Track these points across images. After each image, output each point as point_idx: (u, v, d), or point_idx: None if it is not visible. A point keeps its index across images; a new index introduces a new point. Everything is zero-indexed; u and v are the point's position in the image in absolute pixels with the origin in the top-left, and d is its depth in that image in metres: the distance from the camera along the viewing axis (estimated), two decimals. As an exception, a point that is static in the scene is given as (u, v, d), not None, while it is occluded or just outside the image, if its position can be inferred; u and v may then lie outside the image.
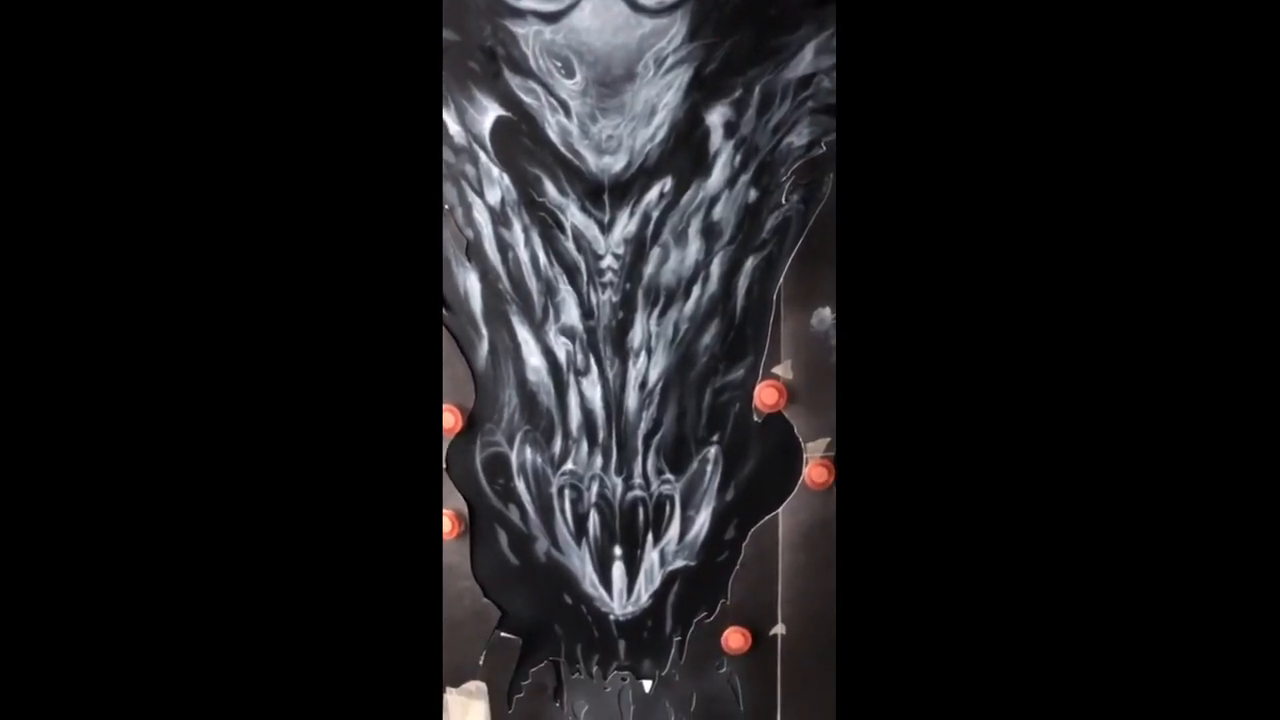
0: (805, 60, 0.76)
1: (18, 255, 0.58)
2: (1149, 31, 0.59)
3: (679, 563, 0.87)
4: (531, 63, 0.75)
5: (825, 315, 0.81)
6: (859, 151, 0.62)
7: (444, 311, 0.82)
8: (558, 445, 0.85)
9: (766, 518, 0.85)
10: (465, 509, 0.86)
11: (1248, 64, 0.58)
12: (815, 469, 0.83)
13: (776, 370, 0.82)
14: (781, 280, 0.80)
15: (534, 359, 0.83)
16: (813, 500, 0.84)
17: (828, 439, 0.83)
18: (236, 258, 0.59)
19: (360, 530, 0.61)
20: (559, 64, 0.75)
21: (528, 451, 0.85)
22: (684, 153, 0.77)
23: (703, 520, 0.85)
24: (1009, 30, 0.60)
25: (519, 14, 0.74)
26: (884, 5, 0.60)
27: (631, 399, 0.83)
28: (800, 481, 0.84)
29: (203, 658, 0.60)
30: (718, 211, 0.79)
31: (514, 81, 0.76)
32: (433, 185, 0.77)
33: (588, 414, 0.84)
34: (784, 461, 0.84)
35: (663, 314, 0.81)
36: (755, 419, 0.83)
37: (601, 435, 0.84)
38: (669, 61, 0.75)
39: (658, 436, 0.84)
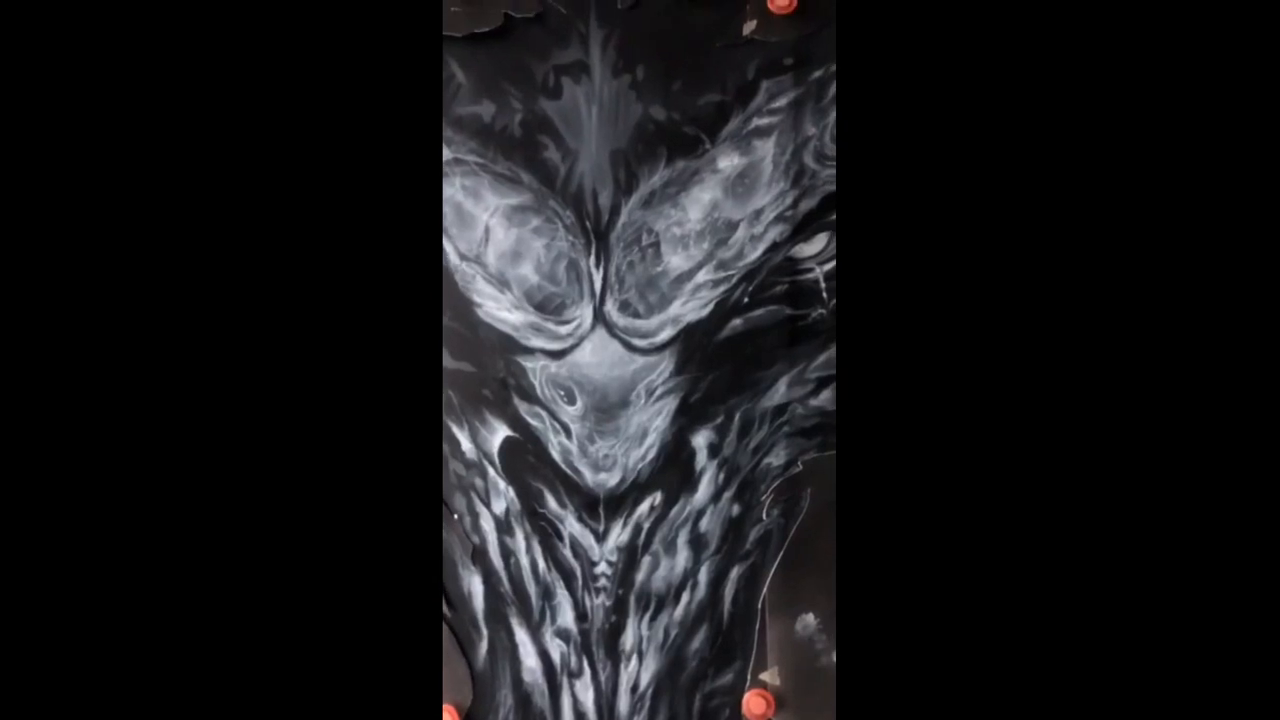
0: (780, 391, 0.85)
1: (18, 256, 0.61)
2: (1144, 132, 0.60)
3: None
4: (538, 391, 0.86)
5: (809, 621, 0.86)
6: (856, 465, 0.65)
7: (447, 610, 0.88)
8: (550, 746, 0.87)
9: (756, 828, 0.85)
10: (459, 810, 0.88)
11: (1247, 65, 0.59)
12: (804, 778, 0.84)
13: (764, 676, 0.86)
14: (765, 588, 0.86)
15: (530, 660, 0.88)
16: (803, 811, 0.85)
17: (817, 746, 0.85)
18: (243, 563, 0.63)
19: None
20: (562, 393, 0.86)
21: (521, 752, 0.88)
22: (672, 471, 0.86)
23: (693, 829, 0.86)
24: (990, 353, 0.63)
25: (528, 351, 0.86)
26: (881, 340, 0.65)
27: (623, 702, 0.87)
28: (789, 791, 0.85)
29: None
30: (704, 524, 0.86)
31: (522, 407, 0.86)
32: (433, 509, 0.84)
33: (580, 716, 0.87)
34: (774, 769, 0.86)
35: (654, 619, 0.86)
36: (744, 725, 0.86)
37: (593, 738, 0.87)
38: (659, 392, 0.85)
39: (648, 740, 0.86)
